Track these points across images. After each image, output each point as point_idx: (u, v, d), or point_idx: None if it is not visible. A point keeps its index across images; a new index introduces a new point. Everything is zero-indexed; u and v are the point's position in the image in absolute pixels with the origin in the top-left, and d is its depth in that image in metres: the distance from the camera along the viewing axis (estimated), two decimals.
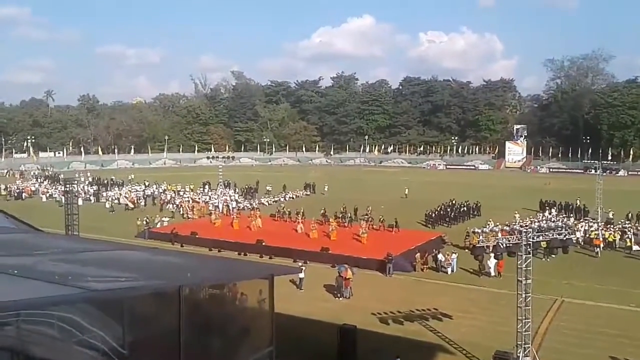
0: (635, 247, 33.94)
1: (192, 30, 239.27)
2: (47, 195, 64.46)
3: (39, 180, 78.78)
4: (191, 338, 6.96)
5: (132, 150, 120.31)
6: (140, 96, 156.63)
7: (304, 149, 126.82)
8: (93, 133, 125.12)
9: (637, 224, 39.85)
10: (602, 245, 34.18)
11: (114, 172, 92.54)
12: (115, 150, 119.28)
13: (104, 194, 63.79)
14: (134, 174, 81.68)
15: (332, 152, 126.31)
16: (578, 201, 47.53)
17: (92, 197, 62.16)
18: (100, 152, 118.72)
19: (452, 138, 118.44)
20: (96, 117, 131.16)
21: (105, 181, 74.19)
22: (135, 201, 57.27)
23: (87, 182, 72.59)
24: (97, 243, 13.50)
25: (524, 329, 16.20)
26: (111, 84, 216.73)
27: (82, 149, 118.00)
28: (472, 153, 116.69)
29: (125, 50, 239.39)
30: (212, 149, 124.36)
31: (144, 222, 42.04)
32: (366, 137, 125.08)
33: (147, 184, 70.76)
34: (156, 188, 67.03)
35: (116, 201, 58.59)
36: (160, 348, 7.03)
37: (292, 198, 60.53)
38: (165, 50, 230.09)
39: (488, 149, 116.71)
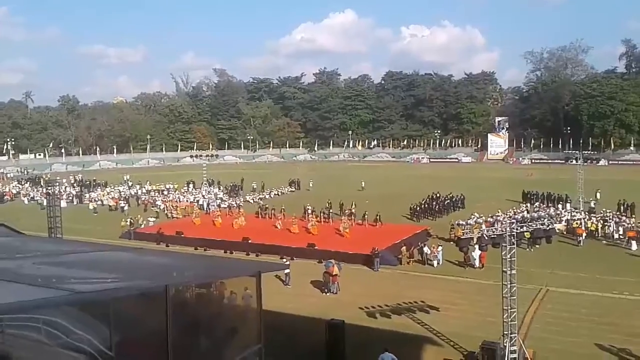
0: (616, 235, 34.45)
1: (174, 29, 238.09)
2: (29, 197, 63.64)
3: (20, 182, 77.70)
4: (179, 338, 6.92)
5: (115, 151, 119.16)
6: (121, 96, 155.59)
7: (287, 145, 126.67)
8: (74, 134, 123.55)
9: (619, 213, 40.48)
10: (584, 234, 34.67)
11: (97, 173, 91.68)
12: (97, 151, 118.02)
13: (87, 195, 63.16)
14: (128, 174, 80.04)
15: (316, 148, 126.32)
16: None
17: (74, 199, 61.52)
18: (81, 153, 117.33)
19: (435, 131, 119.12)
20: (77, 118, 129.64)
21: (88, 182, 73.49)
22: (118, 202, 56.78)
23: (69, 184, 71.78)
24: (81, 245, 13.34)
25: (509, 319, 16.36)
26: (92, 84, 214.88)
27: (63, 150, 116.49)
28: (455, 146, 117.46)
29: (106, 50, 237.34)
30: (195, 148, 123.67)
31: (129, 223, 41.73)
32: (350, 132, 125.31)
33: (130, 184, 70.23)
34: (140, 188, 66.59)
35: (99, 202, 58.09)
36: (147, 349, 6.98)
37: (277, 195, 60.50)
38: (147, 49, 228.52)
39: (470, 141, 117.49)
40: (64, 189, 63.66)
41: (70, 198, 61.28)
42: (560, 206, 44.93)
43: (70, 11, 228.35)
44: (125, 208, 52.99)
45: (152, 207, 53.64)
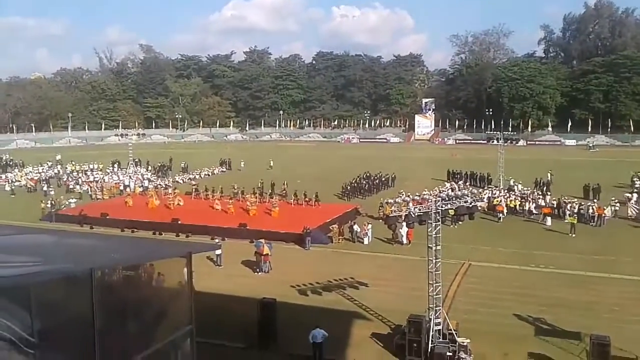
0: (534, 212, 36.41)
1: (97, 1, 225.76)
2: None
3: None
4: (106, 322, 6.76)
5: (33, 129, 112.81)
6: (39, 71, 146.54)
7: (218, 124, 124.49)
8: None
9: (537, 190, 42.83)
10: (504, 211, 36.44)
11: (14, 152, 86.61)
12: (14, 129, 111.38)
13: (3, 176, 59.68)
14: (59, 154, 74.25)
15: (247, 128, 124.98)
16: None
17: None
18: None
19: (365, 112, 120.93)
20: None
21: (4, 162, 69.45)
22: (38, 183, 54.01)
23: None
24: None
25: (434, 293, 17.01)
26: (7, 58, 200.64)
27: None
28: (383, 126, 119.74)
29: (24, 21, 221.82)
30: (121, 126, 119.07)
31: (49, 205, 39.82)
32: (281, 112, 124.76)
33: (50, 164, 66.86)
34: (61, 168, 63.63)
35: (17, 183, 55.08)
36: (73, 334, 6.78)
37: (208, 175, 59.55)
38: (68, 22, 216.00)
39: (399, 122, 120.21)
40: None
41: None
42: (479, 184, 46.26)
43: None
44: (51, 191, 48.78)
45: (75, 188, 51.38)
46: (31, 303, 5.98)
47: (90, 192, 48.80)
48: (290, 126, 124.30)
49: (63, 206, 41.16)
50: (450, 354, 16.07)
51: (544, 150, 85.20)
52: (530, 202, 37.84)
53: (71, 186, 52.06)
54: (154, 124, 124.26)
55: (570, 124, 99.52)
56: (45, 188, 50.34)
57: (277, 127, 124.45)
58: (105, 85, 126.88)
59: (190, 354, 8.55)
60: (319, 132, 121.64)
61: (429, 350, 16.35)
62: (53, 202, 40.62)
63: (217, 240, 28.66)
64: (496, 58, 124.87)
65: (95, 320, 6.52)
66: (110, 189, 49.12)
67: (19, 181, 56.22)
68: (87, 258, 7.89)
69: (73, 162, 65.89)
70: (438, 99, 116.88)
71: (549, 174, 48.57)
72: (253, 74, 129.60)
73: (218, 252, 25.89)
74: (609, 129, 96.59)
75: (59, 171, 61.73)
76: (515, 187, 43.37)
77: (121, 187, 50.22)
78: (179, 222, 33.95)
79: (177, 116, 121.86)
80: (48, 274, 6.39)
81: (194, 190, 45.66)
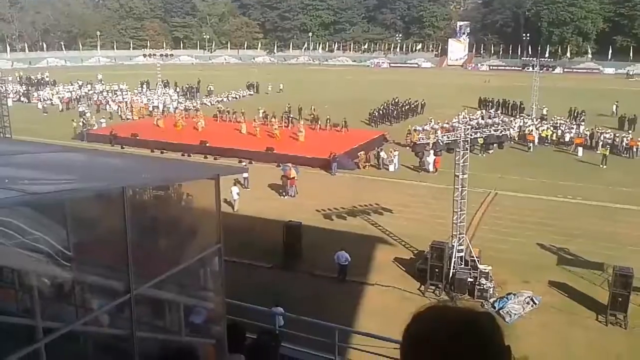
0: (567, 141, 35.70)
1: None
2: None
3: None
4: (137, 238, 6.98)
5: (62, 47, 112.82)
6: None
7: (245, 46, 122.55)
8: (18, 28, 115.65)
9: (570, 120, 41.76)
10: (535, 140, 35.78)
11: (44, 70, 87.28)
12: (44, 47, 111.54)
13: (35, 94, 60.50)
14: (101, 74, 75.01)
15: (275, 50, 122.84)
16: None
17: (22, 97, 58.95)
18: (27, 50, 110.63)
19: (397, 35, 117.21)
20: (20, 11, 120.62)
21: (36, 80, 70.20)
22: (69, 102, 54.70)
23: (15, 81, 68.35)
24: (32, 145, 12.95)
25: (459, 221, 17.14)
26: None
27: (7, 45, 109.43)
28: (415, 51, 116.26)
29: None
30: (149, 46, 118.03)
31: (81, 124, 40.50)
32: (310, 34, 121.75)
33: (80, 83, 67.34)
34: (91, 88, 64.13)
35: (48, 102, 55.89)
36: (107, 249, 7.05)
37: (235, 98, 59.37)
38: None
39: (431, 46, 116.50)
40: (10, 87, 60.58)
41: (18, 97, 58.70)
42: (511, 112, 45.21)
43: None
44: (87, 111, 47.81)
45: (105, 108, 51.97)
46: (67, 218, 6.19)
47: (119, 112, 49.38)
48: (319, 49, 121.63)
49: (94, 125, 41.84)
50: (472, 279, 16.39)
51: (580, 78, 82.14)
52: (561, 131, 37.08)
53: (101, 106, 52.69)
54: (181, 45, 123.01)
55: (610, 51, 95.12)
56: (81, 109, 50.61)
57: (305, 50, 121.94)
58: (132, 3, 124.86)
59: (219, 271, 8.86)
60: (348, 56, 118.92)
61: (450, 275, 16.68)
62: (85, 121, 41.28)
63: (244, 163, 29.02)
64: None
65: (128, 236, 6.76)
66: (140, 110, 49.55)
67: (51, 100, 56.99)
68: (119, 177, 8.06)
69: (103, 82, 66.27)
70: (473, 23, 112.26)
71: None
72: None
73: (245, 175, 26.25)
74: None
75: (88, 91, 62.20)
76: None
77: (150, 108, 50.58)
78: (207, 144, 34.34)
79: (204, 37, 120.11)
80: (82, 191, 6.56)
81: (219, 112, 45.75)
